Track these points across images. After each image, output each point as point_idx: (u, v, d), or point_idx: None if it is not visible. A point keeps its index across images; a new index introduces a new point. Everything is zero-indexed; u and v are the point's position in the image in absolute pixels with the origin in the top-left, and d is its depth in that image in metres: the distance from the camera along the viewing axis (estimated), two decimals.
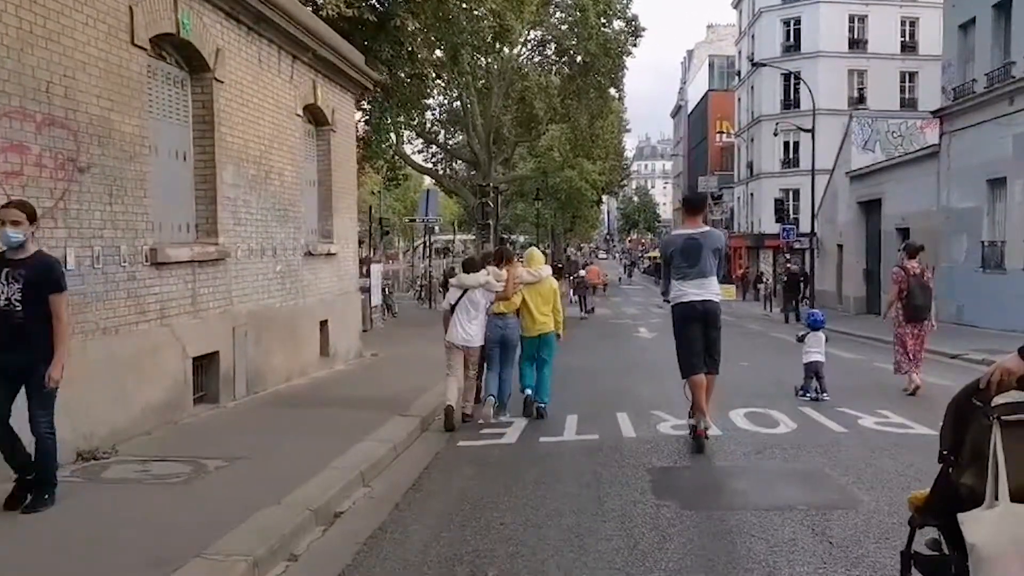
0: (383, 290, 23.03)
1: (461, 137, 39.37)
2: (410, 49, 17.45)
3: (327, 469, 6.11)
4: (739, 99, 55.29)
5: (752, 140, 50.41)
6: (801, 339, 10.31)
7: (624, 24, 34.13)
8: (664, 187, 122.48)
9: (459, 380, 8.49)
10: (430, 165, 40.48)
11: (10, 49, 5.67)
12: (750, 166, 51.16)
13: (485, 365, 8.89)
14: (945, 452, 2.87)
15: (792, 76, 41.96)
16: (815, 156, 30.15)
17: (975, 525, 2.63)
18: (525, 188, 47.83)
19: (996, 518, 2.60)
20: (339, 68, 12.66)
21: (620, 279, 65.35)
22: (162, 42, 7.93)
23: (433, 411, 8.83)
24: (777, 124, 41.16)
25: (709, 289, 7.28)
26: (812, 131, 30.14)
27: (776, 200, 42.45)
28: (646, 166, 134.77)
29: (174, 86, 8.32)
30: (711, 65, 66.67)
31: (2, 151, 5.60)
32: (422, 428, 8.22)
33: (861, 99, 43.51)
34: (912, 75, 43.65)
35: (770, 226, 43.18)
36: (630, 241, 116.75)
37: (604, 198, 72.02)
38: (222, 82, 8.86)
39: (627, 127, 60.98)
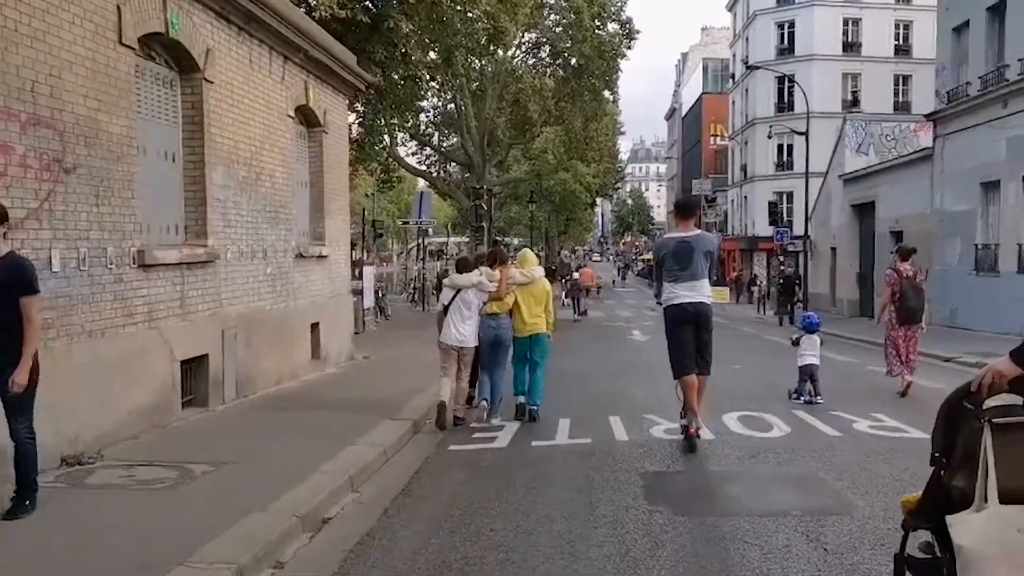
0: (376, 292, 22.94)
1: (455, 139, 39.29)
2: (404, 51, 17.36)
3: (316, 474, 6.03)
4: (733, 102, 55.38)
5: (746, 143, 50.47)
6: (796, 342, 10.26)
7: (618, 27, 34.10)
8: (658, 190, 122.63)
9: (452, 380, 8.49)
10: (424, 167, 40.40)
11: None
12: (744, 169, 51.23)
13: (479, 369, 8.86)
14: (937, 455, 2.85)
15: (786, 79, 42.08)
16: (809, 159, 30.14)
17: (963, 527, 2.62)
18: (519, 190, 47.73)
19: (984, 520, 2.59)
20: (331, 69, 12.59)
21: (614, 282, 65.29)
22: (151, 42, 7.84)
23: (424, 414, 8.76)
24: (771, 127, 41.29)
25: (701, 291, 7.39)
26: (806, 134, 30.11)
27: (770, 203, 42.57)
28: (640, 169, 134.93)
29: (163, 86, 8.23)
30: (705, 68, 66.80)
31: None
32: (413, 431, 8.14)
33: (855, 102, 43.62)
34: (906, 78, 43.75)
35: (764, 229, 43.27)
36: (624, 244, 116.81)
37: (598, 201, 71.99)
38: (212, 82, 8.78)
39: (621, 130, 60.96)
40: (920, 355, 10.91)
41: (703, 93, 65.99)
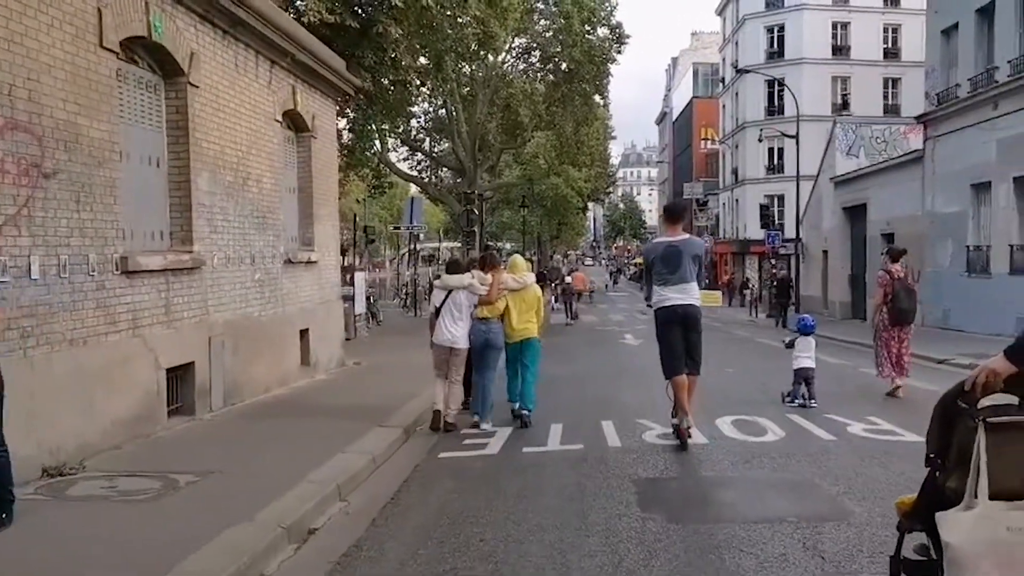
0: (367, 298, 22.81)
1: (446, 144, 39.16)
2: (393, 56, 17.24)
3: (303, 483, 5.91)
4: (723, 106, 55.47)
5: (737, 146, 50.55)
6: (790, 345, 10.18)
7: (608, 31, 34.04)
8: (650, 194, 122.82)
9: (446, 383, 8.56)
10: (415, 173, 40.26)
11: None
12: (735, 172, 51.29)
13: (473, 376, 8.83)
14: (932, 456, 2.82)
15: (776, 83, 42.12)
16: (799, 162, 30.22)
17: (952, 525, 2.60)
18: (511, 195, 47.68)
19: (973, 519, 2.57)
20: (319, 74, 12.48)
21: (607, 286, 65.26)
22: (133, 45, 7.72)
23: (415, 420, 8.68)
24: (761, 130, 41.40)
25: (690, 294, 7.59)
26: (796, 137, 30.20)
27: (761, 206, 42.57)
28: (632, 173, 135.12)
29: (147, 90, 8.11)
30: (695, 72, 66.89)
31: None
32: (404, 438, 8.03)
33: (845, 105, 43.75)
34: (895, 81, 43.91)
35: (755, 232, 43.29)
36: (616, 248, 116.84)
37: (590, 205, 71.99)
38: (197, 87, 8.66)
39: (612, 134, 60.84)
40: (913, 357, 10.87)
41: (694, 97, 66.09)
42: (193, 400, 8.50)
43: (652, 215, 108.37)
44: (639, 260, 75.19)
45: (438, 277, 9.85)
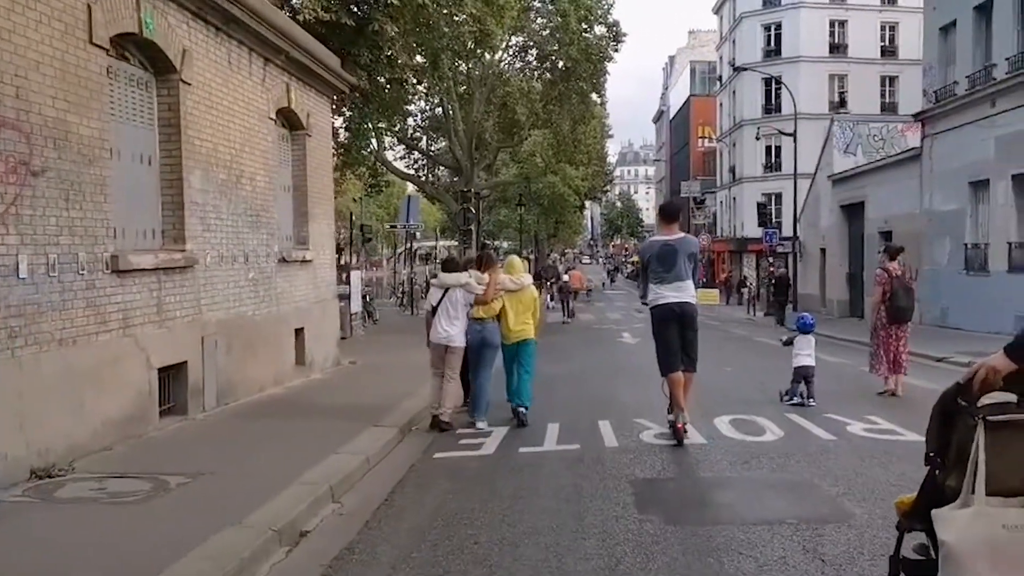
0: (364, 297, 22.73)
1: (443, 143, 39.08)
2: (389, 54, 17.16)
3: (295, 484, 5.82)
4: (721, 104, 55.43)
5: (734, 145, 50.50)
6: (788, 343, 10.11)
7: (605, 30, 33.97)
8: (647, 192, 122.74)
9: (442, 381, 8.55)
10: (412, 171, 40.18)
11: None
12: (732, 171, 51.26)
13: (469, 374, 8.78)
14: (931, 454, 2.78)
15: (773, 81, 42.12)
16: (797, 160, 30.17)
17: (948, 522, 2.58)
18: (508, 194, 47.62)
19: (970, 517, 2.54)
20: (314, 71, 12.39)
21: (604, 284, 65.18)
22: (124, 42, 7.62)
23: (411, 420, 8.60)
24: (759, 128, 41.35)
25: (686, 292, 7.70)
26: (794, 135, 30.15)
27: (758, 204, 42.60)
28: (629, 171, 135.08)
29: (138, 88, 8.01)
30: (692, 70, 66.88)
31: None
32: (399, 438, 7.95)
33: (842, 103, 43.74)
34: (892, 79, 43.91)
35: (753, 230, 43.29)
36: (613, 246, 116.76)
37: (587, 203, 71.93)
38: (189, 84, 8.57)
39: (609, 132, 60.79)
40: (912, 355, 10.81)
41: (691, 95, 66.07)
42: (186, 400, 8.41)
43: (649, 213, 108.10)
44: (636, 258, 75.39)
45: (435, 276, 9.81)
